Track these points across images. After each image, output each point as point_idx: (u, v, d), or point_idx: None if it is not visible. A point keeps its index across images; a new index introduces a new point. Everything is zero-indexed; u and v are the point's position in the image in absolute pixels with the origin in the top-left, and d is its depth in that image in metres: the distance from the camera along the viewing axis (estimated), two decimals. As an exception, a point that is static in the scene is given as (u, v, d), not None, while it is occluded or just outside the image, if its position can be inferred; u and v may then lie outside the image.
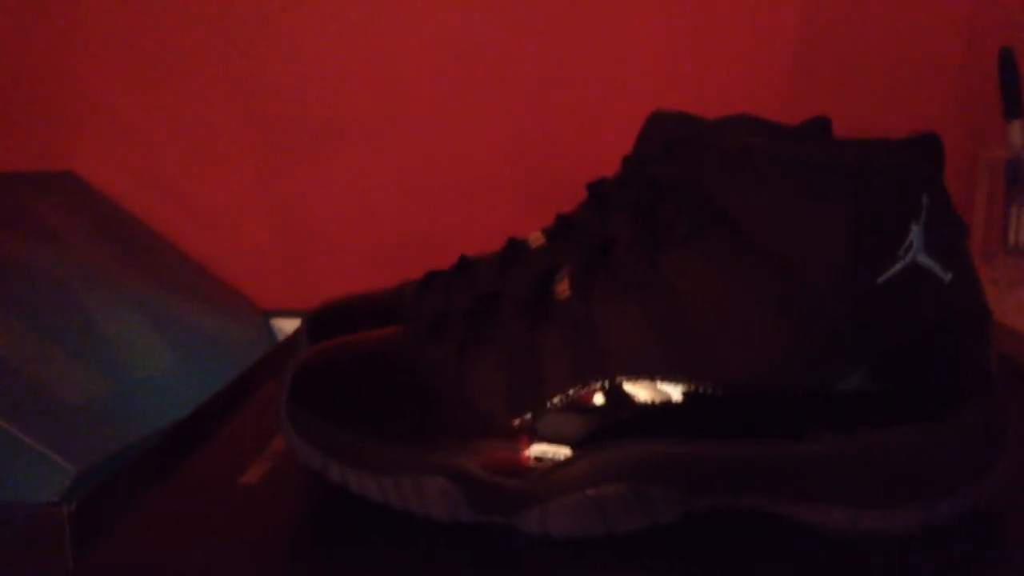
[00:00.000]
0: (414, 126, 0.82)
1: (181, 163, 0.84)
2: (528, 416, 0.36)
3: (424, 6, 0.79)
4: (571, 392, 0.35)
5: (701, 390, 0.34)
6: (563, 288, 0.38)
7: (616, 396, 0.35)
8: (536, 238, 0.50)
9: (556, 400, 0.35)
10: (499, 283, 0.47)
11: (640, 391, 0.35)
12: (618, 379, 0.35)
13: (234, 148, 0.84)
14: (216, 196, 0.85)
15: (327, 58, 0.82)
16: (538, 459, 0.36)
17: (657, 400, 0.35)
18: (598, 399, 0.35)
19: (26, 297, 0.58)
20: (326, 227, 0.85)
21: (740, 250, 0.34)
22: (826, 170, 0.33)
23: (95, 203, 0.81)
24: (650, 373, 0.35)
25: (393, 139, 0.83)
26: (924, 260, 0.34)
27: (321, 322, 0.51)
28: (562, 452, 0.36)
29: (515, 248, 0.50)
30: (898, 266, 0.33)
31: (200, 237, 0.86)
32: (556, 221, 0.50)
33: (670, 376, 0.34)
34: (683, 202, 0.36)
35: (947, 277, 0.34)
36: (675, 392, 0.35)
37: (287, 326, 0.85)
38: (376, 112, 0.82)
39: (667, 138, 0.47)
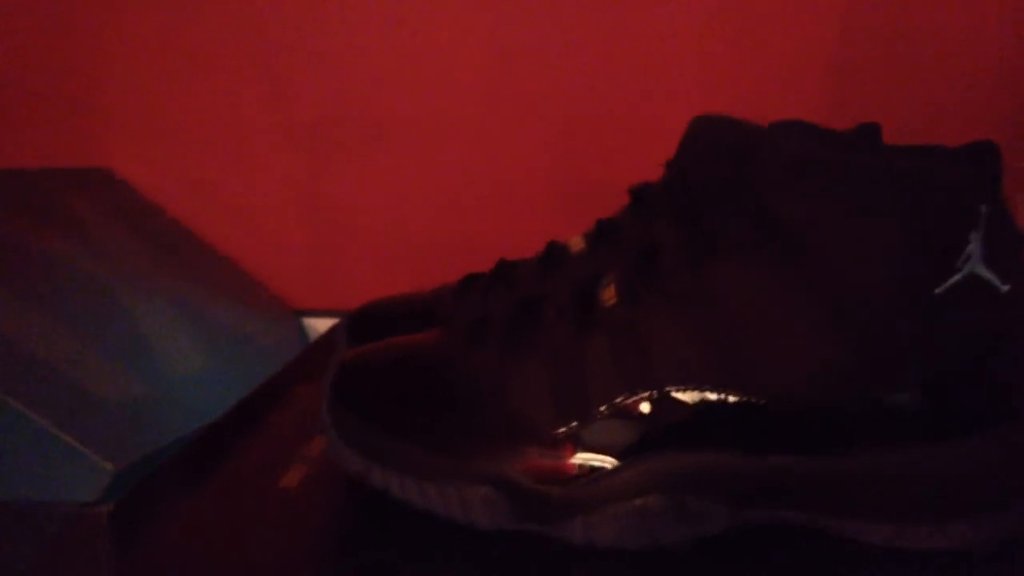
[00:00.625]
0: (452, 129, 0.82)
1: (218, 162, 0.85)
2: (573, 424, 0.35)
3: (464, 9, 0.79)
4: (618, 401, 0.35)
5: (749, 402, 0.34)
6: (608, 295, 0.38)
7: (663, 406, 0.35)
8: (576, 243, 0.49)
9: (602, 409, 0.35)
10: (540, 288, 0.47)
11: (687, 401, 0.34)
12: (666, 389, 0.34)
13: (271, 148, 0.84)
14: (251, 195, 0.85)
15: (366, 61, 0.81)
16: (582, 468, 0.35)
17: (703, 411, 0.34)
18: (644, 408, 0.35)
19: (63, 295, 0.58)
20: (361, 228, 0.85)
21: (795, 262, 0.33)
22: (883, 179, 0.32)
23: (132, 200, 0.81)
24: (698, 383, 0.34)
25: (431, 141, 0.82)
26: (982, 271, 0.33)
27: (361, 323, 0.51)
28: (607, 461, 0.35)
29: (555, 253, 0.49)
30: (956, 277, 0.33)
31: (234, 236, 0.86)
32: (597, 226, 0.50)
33: (718, 387, 0.34)
34: (732, 210, 0.36)
35: (1005, 288, 0.34)
36: (722, 403, 0.34)
37: (319, 326, 0.85)
38: (414, 114, 0.82)
39: (712, 143, 0.47)
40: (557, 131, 0.81)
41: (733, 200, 0.36)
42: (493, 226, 0.83)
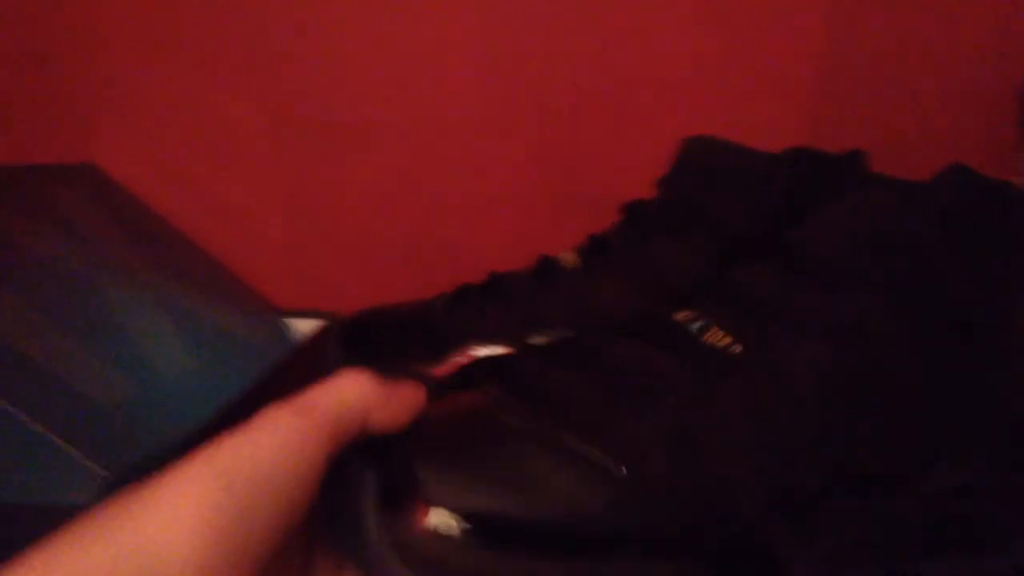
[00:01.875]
0: (438, 134, 0.82)
1: (202, 160, 0.84)
2: None
3: (454, 16, 0.79)
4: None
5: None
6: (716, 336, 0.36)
7: None
8: (569, 258, 0.50)
9: None
10: (539, 306, 0.48)
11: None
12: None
13: (256, 147, 0.84)
14: (235, 194, 0.85)
15: (354, 63, 0.82)
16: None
17: None
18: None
19: (49, 292, 0.58)
20: (345, 230, 0.85)
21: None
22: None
23: (116, 196, 0.81)
24: None
25: (417, 146, 0.83)
26: None
27: (353, 332, 0.52)
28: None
29: (549, 267, 0.50)
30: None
31: (218, 234, 0.85)
32: (590, 241, 0.51)
33: None
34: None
35: None
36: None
37: (301, 326, 0.85)
38: (400, 117, 0.82)
39: (710, 166, 0.48)
40: (542, 137, 0.82)
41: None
42: (477, 230, 0.83)
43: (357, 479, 0.30)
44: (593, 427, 0.30)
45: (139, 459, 0.48)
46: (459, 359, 0.49)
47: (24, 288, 0.56)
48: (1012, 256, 0.33)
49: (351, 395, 0.30)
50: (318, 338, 0.69)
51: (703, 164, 0.48)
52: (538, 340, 0.48)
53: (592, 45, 0.79)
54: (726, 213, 0.46)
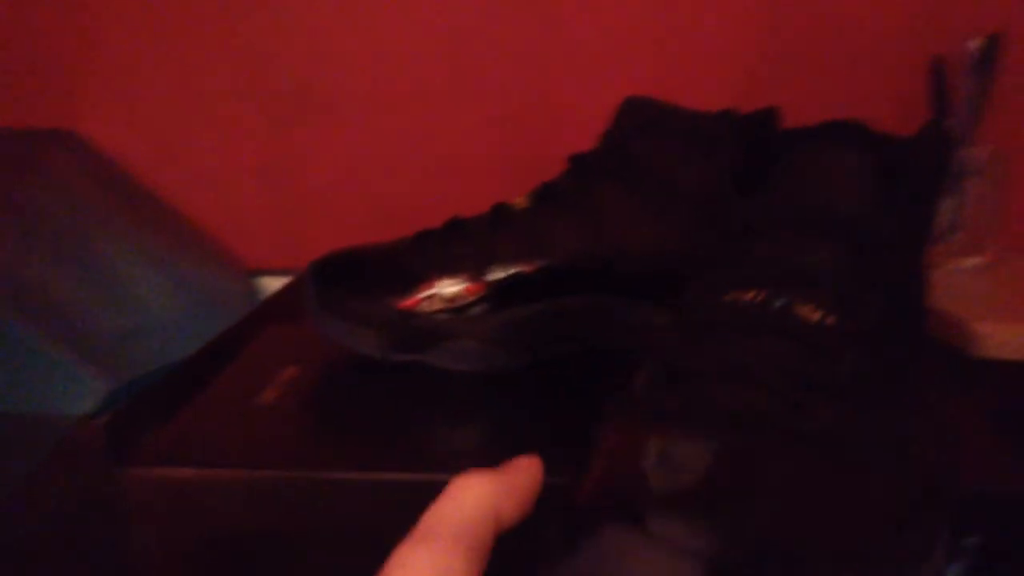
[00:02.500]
0: (406, 101, 0.88)
1: (180, 126, 0.89)
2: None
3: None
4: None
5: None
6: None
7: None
8: (521, 201, 0.56)
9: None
10: (491, 242, 0.54)
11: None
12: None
13: (232, 114, 0.89)
14: (209, 159, 0.90)
15: (325, 34, 0.87)
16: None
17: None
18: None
19: (46, 238, 0.63)
20: (316, 193, 0.91)
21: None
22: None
23: (98, 160, 0.85)
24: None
25: (385, 112, 0.89)
26: None
27: (326, 269, 0.57)
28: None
29: (502, 211, 0.56)
30: None
31: (193, 197, 0.90)
32: (540, 187, 0.57)
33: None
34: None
35: None
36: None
37: (275, 285, 0.90)
38: (370, 86, 0.88)
39: (642, 120, 0.54)
40: (502, 102, 0.88)
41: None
42: (443, 192, 0.89)
43: None
44: None
45: (136, 379, 0.53)
46: (424, 293, 0.55)
47: (20, 235, 0.61)
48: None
49: (472, 505, 0.28)
50: (299, 281, 0.73)
51: (639, 119, 0.55)
52: (496, 275, 0.54)
53: (541, 16, 0.86)
54: (657, 161, 0.53)
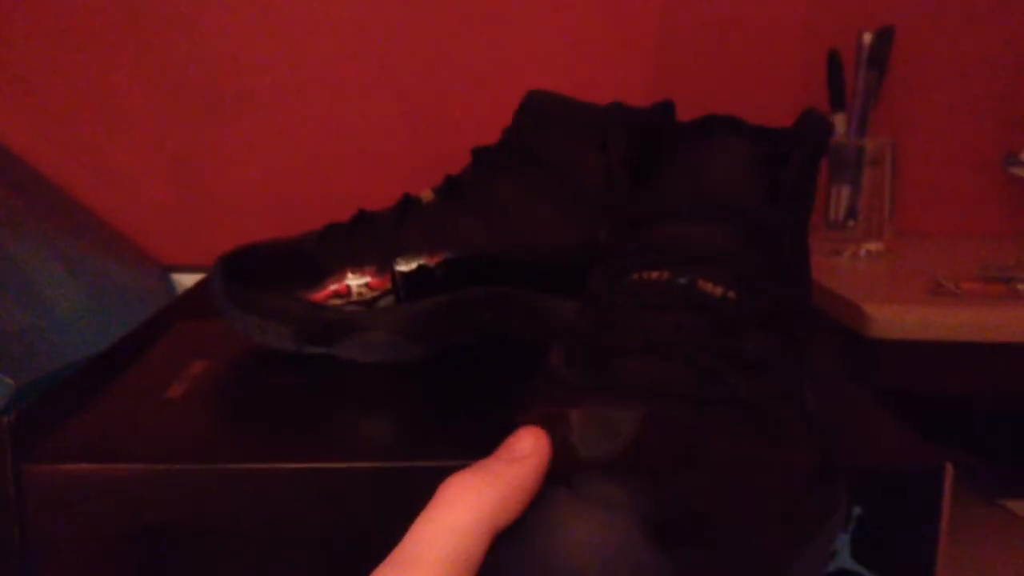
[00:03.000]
0: (315, 97, 0.89)
1: (89, 125, 0.88)
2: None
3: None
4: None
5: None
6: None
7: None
8: (427, 195, 0.58)
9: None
10: (398, 233, 0.55)
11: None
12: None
13: (140, 112, 0.88)
14: (121, 156, 0.89)
15: (232, 30, 0.87)
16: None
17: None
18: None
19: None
20: (226, 188, 0.91)
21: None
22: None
23: (7, 160, 0.84)
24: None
25: (293, 108, 0.89)
26: None
27: (235, 263, 0.57)
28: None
29: (409, 203, 0.57)
30: None
31: (105, 195, 0.90)
32: (444, 181, 0.58)
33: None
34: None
35: None
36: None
37: (187, 281, 0.89)
38: (278, 80, 0.88)
39: (541, 113, 0.56)
40: (409, 98, 0.89)
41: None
42: (351, 186, 0.90)
43: None
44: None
45: (42, 377, 0.53)
46: (333, 286, 0.55)
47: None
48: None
49: (465, 522, 0.25)
50: (208, 278, 0.74)
51: (539, 113, 0.57)
52: (403, 266, 0.55)
53: (449, 14, 0.87)
54: (550, 152, 0.55)
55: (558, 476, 0.29)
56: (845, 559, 0.43)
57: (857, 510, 0.42)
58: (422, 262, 0.55)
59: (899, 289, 0.74)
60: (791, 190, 0.39)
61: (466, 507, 0.25)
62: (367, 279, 0.55)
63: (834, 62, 0.87)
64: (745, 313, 0.35)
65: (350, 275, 0.55)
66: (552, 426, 0.31)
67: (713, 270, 0.36)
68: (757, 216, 0.38)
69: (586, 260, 0.43)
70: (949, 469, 0.43)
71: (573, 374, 0.34)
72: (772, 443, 0.32)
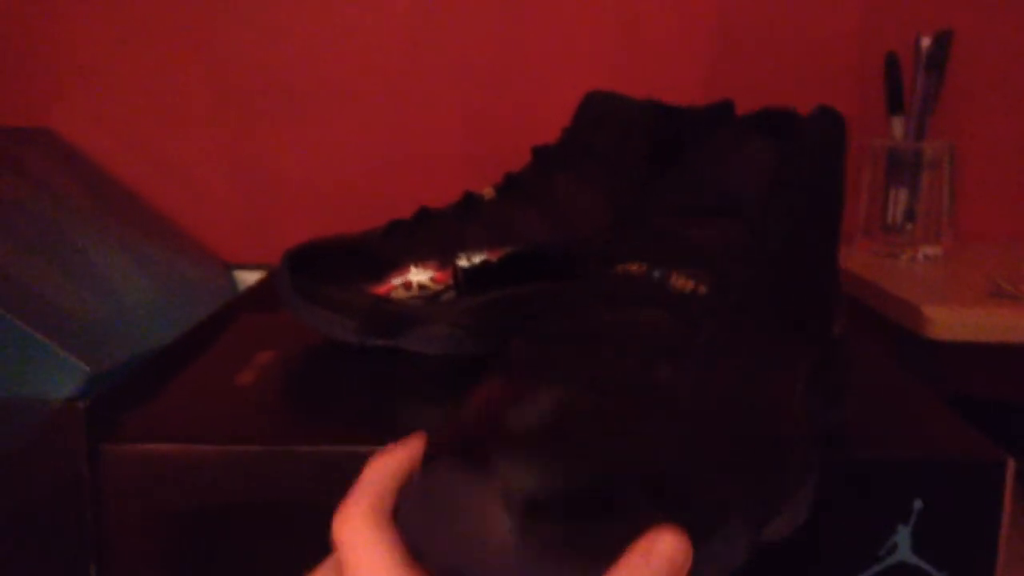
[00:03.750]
0: (376, 96, 0.91)
1: (154, 123, 0.91)
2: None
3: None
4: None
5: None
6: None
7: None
8: (488, 192, 0.59)
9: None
10: (462, 230, 0.56)
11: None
12: None
13: (204, 111, 0.91)
14: (185, 155, 0.92)
15: (297, 30, 0.89)
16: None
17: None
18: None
19: (23, 230, 0.64)
20: (287, 187, 0.93)
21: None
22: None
23: (73, 157, 0.87)
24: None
25: (356, 107, 0.91)
26: None
27: (301, 259, 0.59)
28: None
29: (470, 200, 0.58)
30: None
31: (169, 193, 0.92)
32: (504, 179, 0.59)
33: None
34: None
35: None
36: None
37: (249, 279, 0.91)
38: (341, 81, 0.90)
39: (599, 112, 0.57)
40: (468, 97, 0.91)
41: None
42: (411, 183, 0.92)
43: None
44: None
45: (115, 366, 0.55)
46: (396, 280, 0.57)
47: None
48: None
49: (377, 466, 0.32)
50: (274, 274, 0.75)
51: (597, 113, 0.57)
52: (465, 261, 0.56)
53: (510, 15, 0.89)
54: (612, 153, 0.56)
55: (476, 451, 0.30)
56: (906, 553, 0.43)
57: (918, 504, 0.42)
58: (483, 257, 0.56)
59: (958, 291, 0.74)
60: (796, 187, 0.39)
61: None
62: (430, 273, 0.56)
63: (892, 65, 0.86)
64: (707, 308, 0.35)
65: (413, 269, 0.56)
66: (487, 402, 0.33)
67: (691, 263, 0.36)
68: (751, 212, 0.38)
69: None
70: (1011, 464, 0.43)
71: (519, 355, 0.36)
72: (686, 422, 0.32)
